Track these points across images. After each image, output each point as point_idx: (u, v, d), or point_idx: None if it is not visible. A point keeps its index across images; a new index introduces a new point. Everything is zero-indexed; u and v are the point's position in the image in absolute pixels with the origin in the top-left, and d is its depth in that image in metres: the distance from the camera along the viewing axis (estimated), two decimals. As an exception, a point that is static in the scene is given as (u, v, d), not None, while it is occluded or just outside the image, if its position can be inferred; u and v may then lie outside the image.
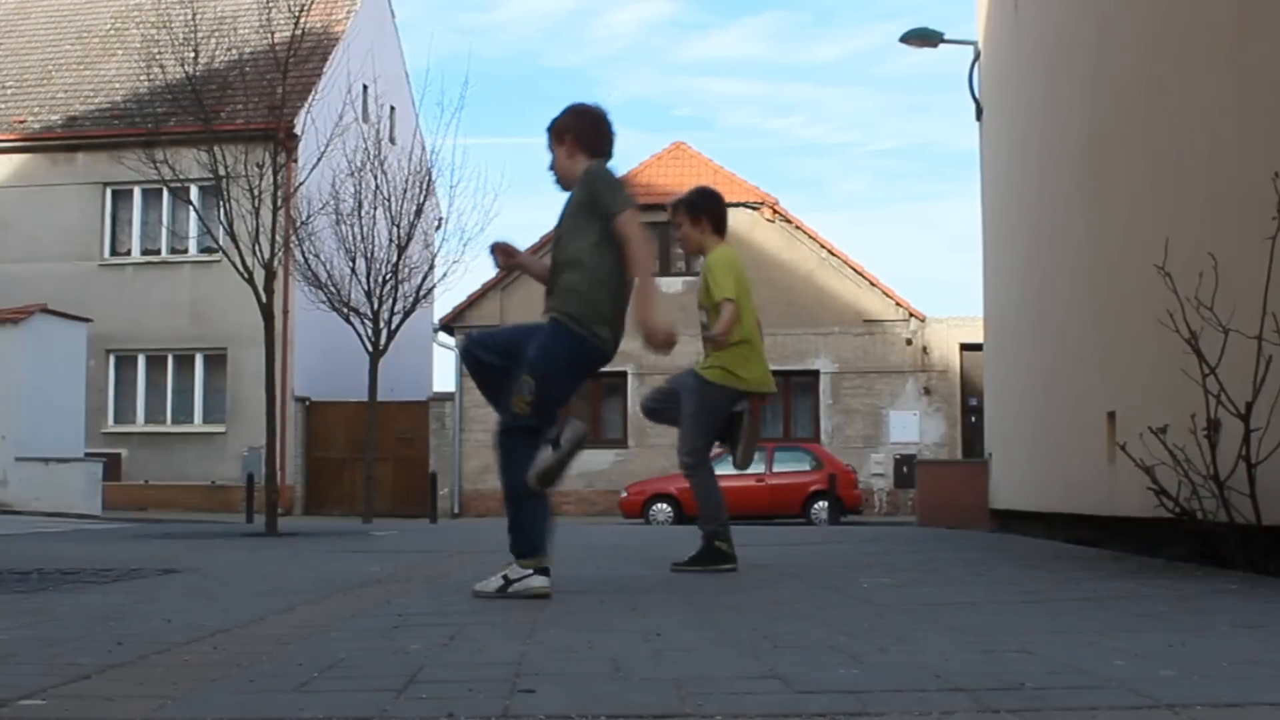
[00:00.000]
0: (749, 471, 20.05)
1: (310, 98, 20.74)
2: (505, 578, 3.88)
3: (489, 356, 4.09)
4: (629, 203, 4.00)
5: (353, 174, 20.36)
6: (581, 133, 4.16)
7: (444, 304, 25.20)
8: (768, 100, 69.30)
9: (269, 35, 12.34)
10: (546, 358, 3.93)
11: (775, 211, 24.32)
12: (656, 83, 70.94)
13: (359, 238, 20.46)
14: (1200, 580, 4.36)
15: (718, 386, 5.34)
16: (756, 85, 68.59)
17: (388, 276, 20.17)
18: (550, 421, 3.95)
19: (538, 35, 71.55)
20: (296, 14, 12.02)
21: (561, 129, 4.18)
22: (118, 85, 24.03)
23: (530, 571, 3.86)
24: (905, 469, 22.34)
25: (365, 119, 22.42)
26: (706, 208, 5.49)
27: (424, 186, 21.20)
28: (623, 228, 3.96)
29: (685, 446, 5.39)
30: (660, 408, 5.63)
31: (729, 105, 68.29)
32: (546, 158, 4.24)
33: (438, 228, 22.46)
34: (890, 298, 24.26)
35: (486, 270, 20.14)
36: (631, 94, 72.14)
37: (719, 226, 5.50)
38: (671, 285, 24.82)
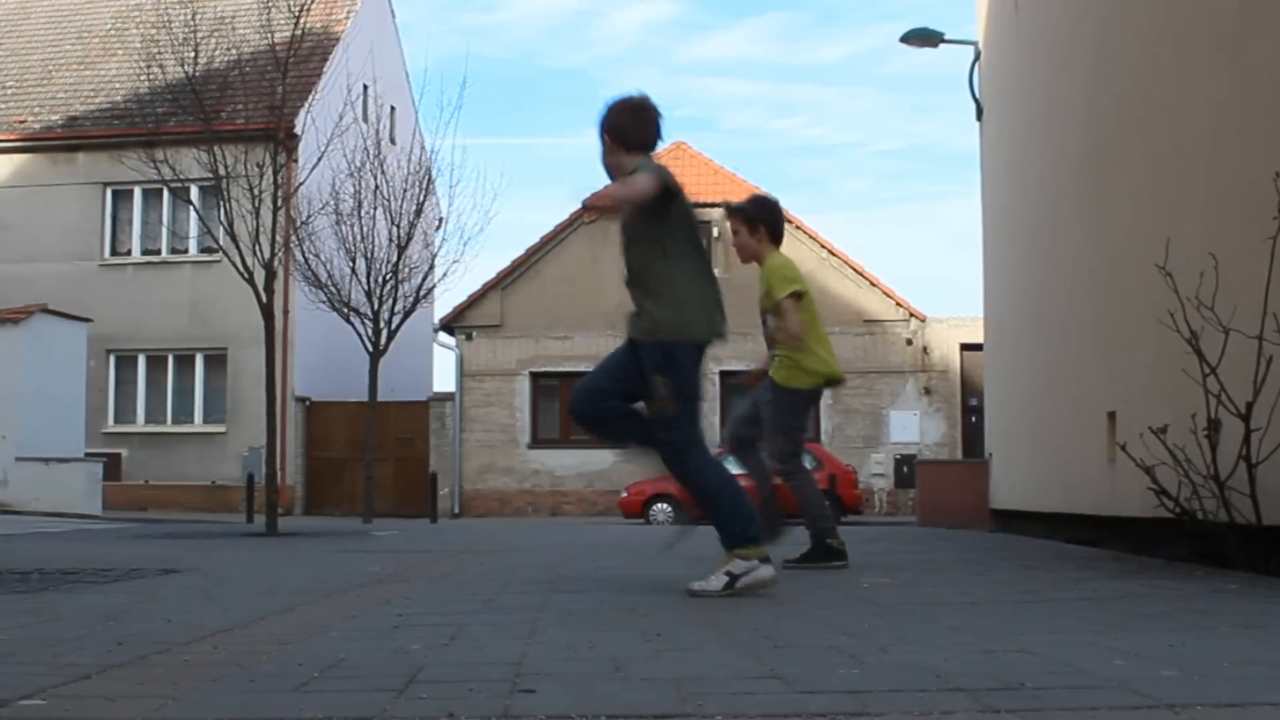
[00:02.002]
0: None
1: (310, 98, 20.73)
2: (729, 573, 3.86)
3: (609, 402, 4.14)
4: (637, 174, 3.97)
5: (352, 174, 20.36)
6: (619, 129, 4.15)
7: (444, 304, 25.21)
8: (770, 101, 69.35)
9: (269, 35, 12.35)
10: (667, 366, 3.96)
11: (775, 211, 24.31)
12: (659, 83, 71.01)
13: (359, 238, 20.45)
14: (1200, 580, 4.36)
15: (790, 388, 5.41)
16: (759, 86, 68.63)
17: (388, 276, 20.17)
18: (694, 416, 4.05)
19: (541, 36, 71.61)
20: (296, 14, 12.02)
21: (603, 128, 4.18)
22: (118, 85, 24.03)
23: (755, 562, 3.88)
24: (905, 469, 22.34)
25: (365, 119, 22.42)
26: (765, 218, 5.52)
27: (424, 186, 21.20)
28: (639, 194, 3.94)
29: (775, 453, 5.47)
30: (747, 435, 5.62)
31: (732, 106, 68.35)
32: (598, 151, 4.24)
33: (438, 228, 22.46)
34: (890, 298, 24.26)
35: (486, 270, 20.15)
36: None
37: (776, 236, 5.55)
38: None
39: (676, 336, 3.99)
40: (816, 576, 4.81)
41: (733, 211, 5.58)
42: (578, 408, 4.16)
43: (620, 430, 4.20)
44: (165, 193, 19.96)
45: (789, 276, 5.36)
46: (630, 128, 4.15)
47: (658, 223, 4.04)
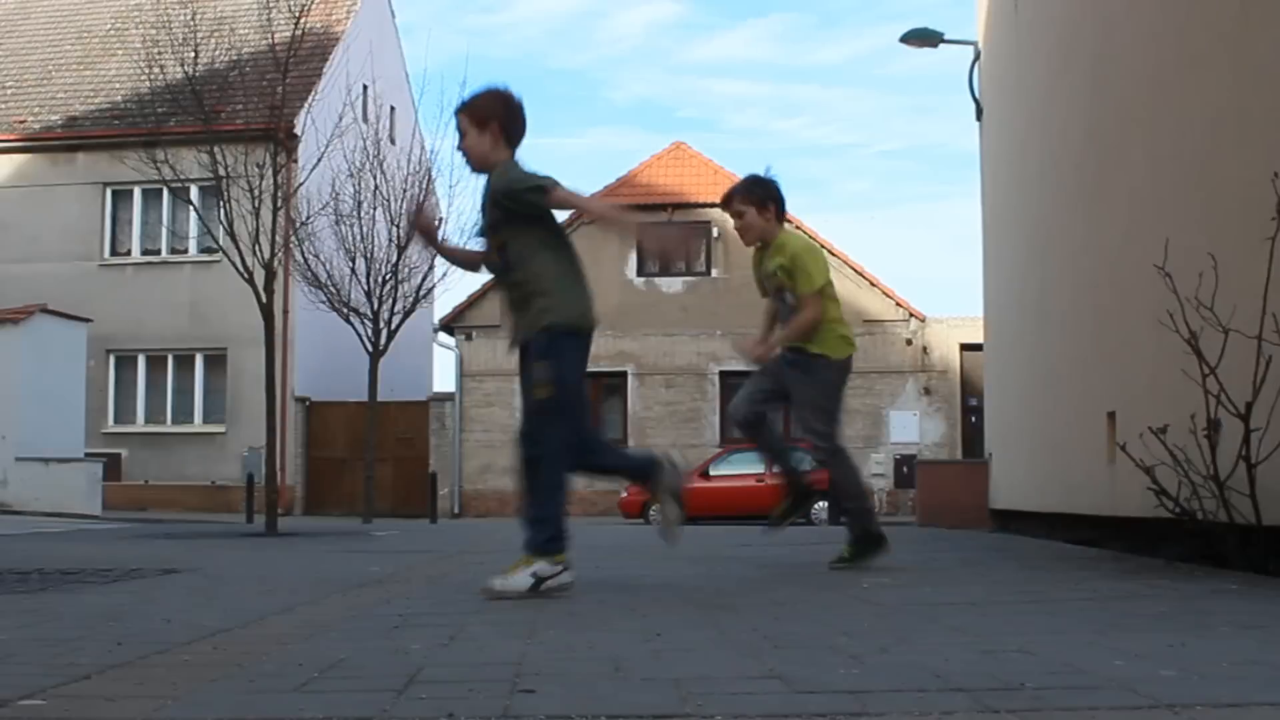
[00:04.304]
0: (749, 472, 20.20)
1: (310, 98, 20.75)
2: (536, 575, 3.86)
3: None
4: (545, 182, 3.95)
5: (352, 174, 20.37)
6: (507, 122, 4.07)
7: (444, 304, 25.24)
8: (773, 101, 69.38)
9: (269, 35, 12.36)
10: (561, 368, 3.96)
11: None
12: (662, 84, 71.01)
13: (359, 238, 20.46)
14: (1200, 580, 4.36)
15: (834, 359, 5.19)
16: (762, 86, 68.68)
17: (387, 276, 20.18)
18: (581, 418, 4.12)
19: (543, 37, 71.65)
20: (296, 14, 12.03)
21: (486, 114, 4.06)
22: (118, 85, 24.03)
23: (560, 567, 3.91)
24: (905, 469, 22.34)
25: (365, 119, 22.42)
26: (773, 195, 5.30)
27: (424, 187, 21.20)
28: (559, 203, 3.99)
29: (818, 433, 5.17)
30: (760, 414, 5.36)
31: (734, 106, 68.37)
32: (457, 137, 4.14)
33: (437, 228, 22.43)
34: (890, 298, 24.27)
35: (485, 271, 20.11)
36: (637, 95, 72.21)
37: (783, 214, 5.37)
38: (671, 286, 24.85)
39: (562, 324, 3.96)
40: (816, 577, 4.80)
41: (736, 192, 5.34)
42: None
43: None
44: (165, 193, 19.96)
45: (819, 266, 5.20)
46: (514, 123, 4.09)
47: (537, 222, 4.03)
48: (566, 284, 4.03)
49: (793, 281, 5.20)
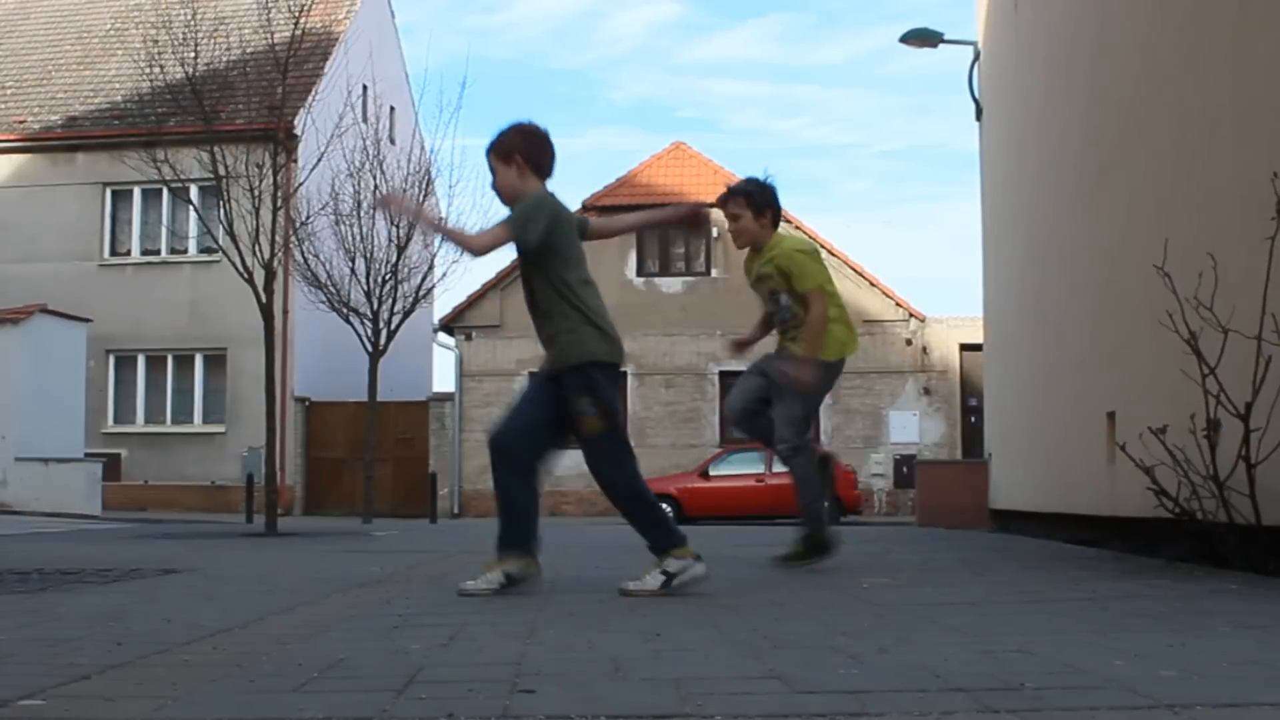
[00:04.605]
0: (749, 472, 20.20)
1: (310, 98, 20.76)
2: (665, 572, 3.96)
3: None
4: (528, 233, 4.00)
5: (352, 174, 20.36)
6: (529, 153, 4.15)
7: (444, 304, 25.23)
8: (773, 102, 69.39)
9: (269, 35, 12.35)
10: (604, 400, 4.09)
11: (775, 212, 24.33)
12: (662, 84, 71.02)
13: (359, 238, 20.46)
14: (1200, 580, 4.36)
15: (819, 360, 5.19)
16: (762, 87, 68.69)
17: (387, 277, 20.18)
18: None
19: (544, 37, 71.66)
20: (296, 14, 12.03)
21: (510, 149, 4.15)
22: (118, 85, 24.02)
23: (689, 560, 3.98)
24: (905, 469, 22.34)
25: (365, 119, 22.42)
26: (771, 201, 5.34)
27: (423, 187, 21.20)
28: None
29: (784, 432, 5.20)
30: (757, 410, 5.34)
31: (734, 106, 68.37)
32: (489, 176, 4.22)
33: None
34: (890, 298, 24.26)
35: (486, 270, 20.19)
36: (637, 95, 72.22)
37: (778, 221, 5.39)
38: (671, 286, 24.85)
39: (594, 359, 4.05)
40: (816, 577, 4.81)
41: (735, 193, 5.36)
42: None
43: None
44: (165, 193, 19.97)
45: (816, 265, 5.21)
46: (539, 153, 4.17)
47: (546, 259, 4.07)
48: (581, 325, 4.07)
49: (790, 281, 5.20)
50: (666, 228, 24.51)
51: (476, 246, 4.25)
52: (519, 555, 4.09)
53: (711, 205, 5.41)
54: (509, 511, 4.13)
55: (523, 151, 4.13)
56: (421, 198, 20.89)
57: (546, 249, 4.04)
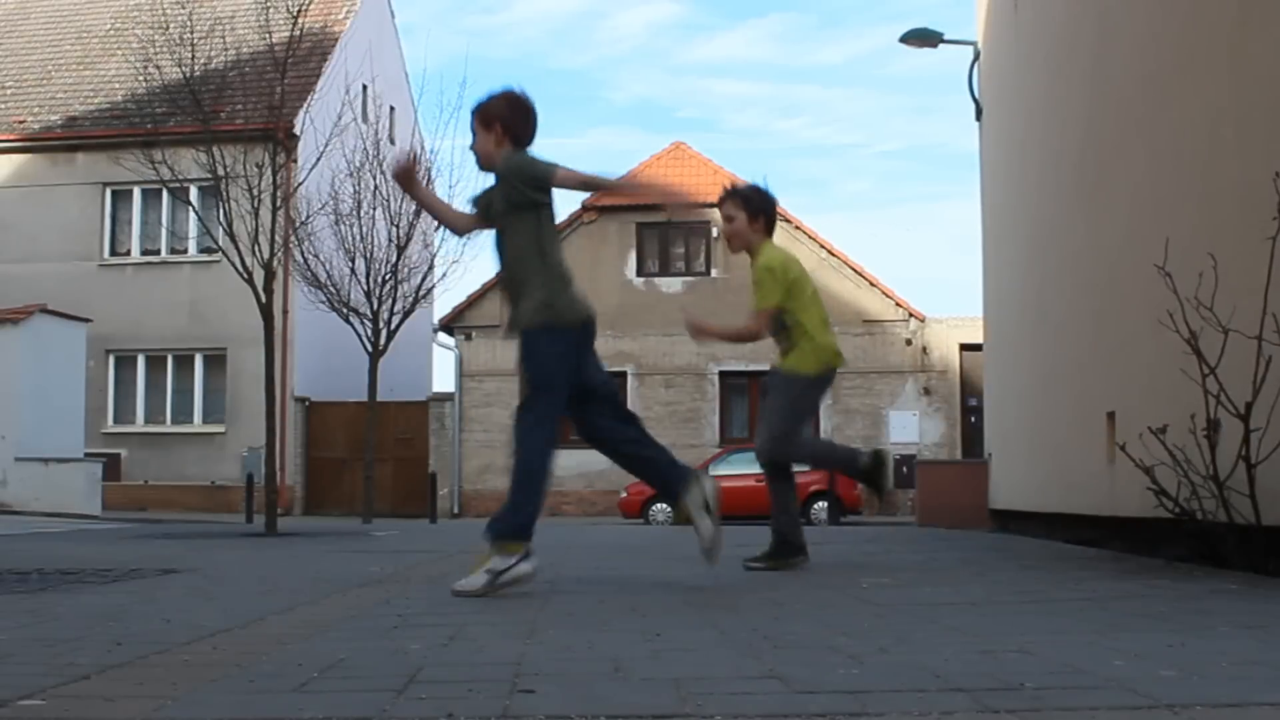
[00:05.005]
0: (749, 472, 20.19)
1: (309, 98, 20.76)
2: (490, 570, 3.92)
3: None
4: (552, 166, 4.11)
5: (352, 174, 20.37)
6: (511, 123, 4.20)
7: (444, 304, 25.23)
8: (773, 102, 69.42)
9: (267, 35, 12.35)
10: (533, 366, 4.10)
11: (775, 212, 24.33)
12: (662, 84, 71.05)
13: (358, 238, 20.46)
14: (1200, 580, 4.36)
15: (799, 374, 5.29)
16: (762, 87, 68.71)
17: (387, 276, 20.18)
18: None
19: (544, 37, 71.70)
20: (295, 14, 12.02)
21: (492, 115, 4.20)
22: (117, 85, 24.03)
23: (516, 558, 3.93)
24: (905, 469, 22.33)
25: (364, 119, 22.42)
26: (766, 208, 5.38)
27: (425, 181, 21.19)
28: (565, 182, 4.13)
29: (762, 445, 5.34)
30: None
31: (735, 106, 68.39)
32: (469, 138, 4.28)
33: (437, 228, 22.45)
34: (890, 298, 24.27)
35: (486, 270, 20.20)
36: (637, 95, 72.25)
37: (771, 228, 5.44)
38: (671, 286, 24.85)
39: (539, 324, 4.08)
40: (816, 577, 4.80)
41: (734, 194, 5.39)
42: None
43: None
44: (164, 193, 19.97)
45: (772, 284, 5.23)
46: (522, 124, 4.22)
47: (533, 217, 4.14)
48: (550, 283, 4.11)
49: (755, 298, 5.30)
50: (666, 227, 24.52)
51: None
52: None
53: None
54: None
55: (504, 119, 4.19)
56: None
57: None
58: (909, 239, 62.38)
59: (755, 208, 5.35)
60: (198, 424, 23.51)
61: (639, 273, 24.95)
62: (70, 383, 17.96)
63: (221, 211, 11.61)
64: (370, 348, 19.95)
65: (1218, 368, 4.56)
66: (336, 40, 24.15)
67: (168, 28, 12.39)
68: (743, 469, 20.61)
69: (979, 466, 11.93)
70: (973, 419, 22.34)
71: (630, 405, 24.43)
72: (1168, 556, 5.39)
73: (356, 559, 6.33)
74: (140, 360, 23.64)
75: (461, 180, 31.11)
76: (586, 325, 4.19)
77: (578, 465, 22.89)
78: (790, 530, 5.37)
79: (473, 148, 4.27)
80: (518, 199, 4.12)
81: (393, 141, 25.53)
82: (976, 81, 11.91)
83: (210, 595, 4.15)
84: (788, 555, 5.26)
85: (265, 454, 11.62)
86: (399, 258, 20.27)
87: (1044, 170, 8.67)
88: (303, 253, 19.61)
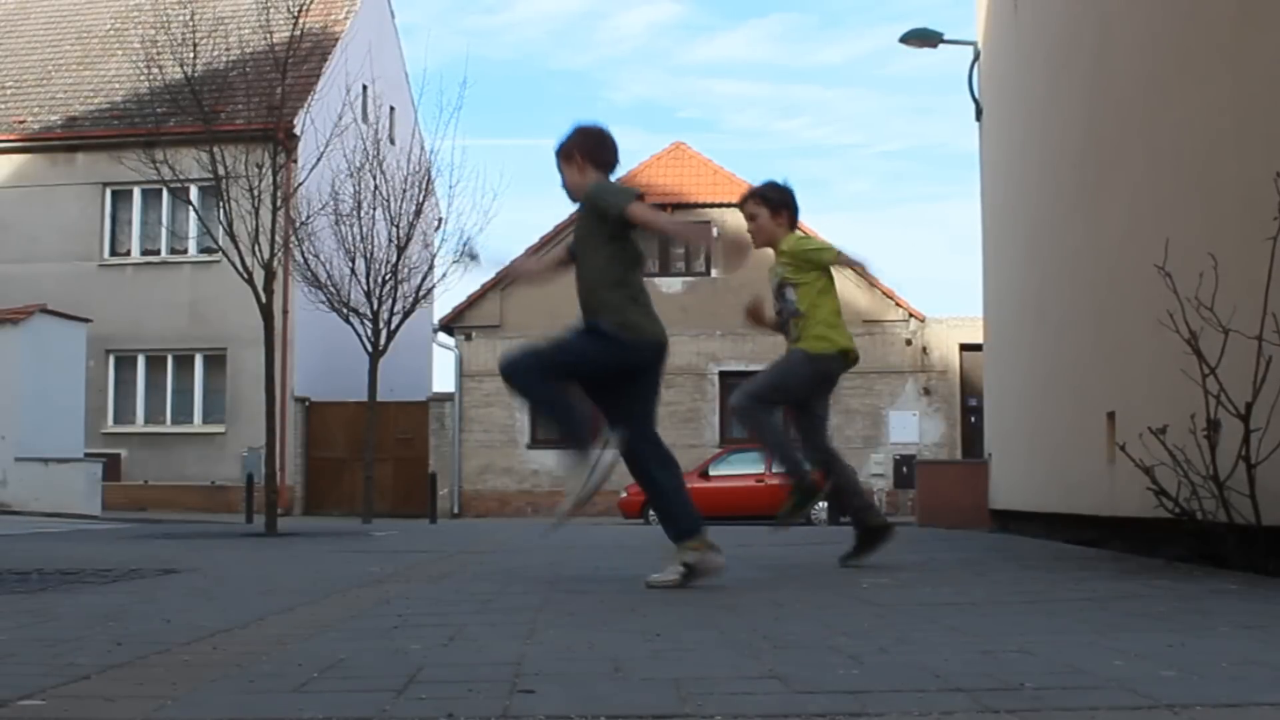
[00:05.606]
0: (748, 472, 20.19)
1: (310, 98, 20.76)
2: (685, 564, 4.24)
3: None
4: (629, 195, 4.29)
5: (352, 174, 20.36)
6: (589, 150, 4.43)
7: (444, 304, 25.22)
8: (774, 102, 69.41)
9: (268, 36, 12.35)
10: (599, 354, 4.34)
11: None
12: (663, 84, 71.05)
13: (358, 238, 20.46)
14: (1200, 580, 4.36)
15: (804, 352, 5.33)
16: (763, 87, 68.71)
17: (387, 277, 20.17)
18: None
19: (545, 38, 71.69)
20: (295, 14, 12.02)
21: (570, 149, 4.44)
22: (118, 85, 24.02)
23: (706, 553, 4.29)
24: (905, 469, 22.32)
25: (364, 119, 22.41)
26: (788, 202, 5.47)
27: (423, 187, 21.20)
28: (635, 218, 4.24)
29: (746, 392, 5.35)
30: (822, 446, 5.52)
31: (735, 107, 68.38)
32: (558, 178, 4.50)
33: (437, 228, 22.47)
34: (890, 298, 24.26)
35: (485, 270, 20.19)
36: (637, 95, 72.26)
37: (795, 221, 5.52)
38: (671, 286, 24.84)
39: (631, 329, 4.35)
40: (816, 577, 4.80)
41: (753, 195, 5.49)
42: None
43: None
44: (165, 193, 19.97)
45: (820, 243, 5.44)
46: (598, 148, 4.46)
47: (611, 240, 4.32)
48: (625, 307, 4.32)
49: (802, 275, 5.33)
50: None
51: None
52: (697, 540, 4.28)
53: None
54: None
55: (580, 148, 4.42)
56: (421, 198, 20.89)
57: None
58: (908, 239, 62.37)
59: (775, 203, 5.44)
60: (198, 424, 23.51)
61: (639, 273, 24.94)
62: (70, 383, 17.96)
63: (222, 211, 11.61)
64: (370, 348, 19.95)
65: (1218, 368, 4.56)
66: (336, 40, 24.13)
67: (169, 27, 12.39)
68: (743, 469, 20.62)
69: (979, 467, 11.93)
70: (973, 419, 22.33)
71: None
72: (1168, 556, 5.39)
73: (356, 559, 6.33)
74: (140, 360, 23.63)
75: (461, 180, 30.88)
76: (657, 349, 4.47)
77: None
78: (865, 513, 5.47)
79: (563, 186, 4.49)
80: (595, 217, 4.30)
81: (393, 141, 25.52)
82: (976, 81, 11.91)
83: (210, 595, 4.15)
84: (875, 541, 5.39)
85: (265, 454, 11.62)
86: (399, 258, 20.27)
87: (1044, 170, 8.67)
88: (303, 253, 19.60)
